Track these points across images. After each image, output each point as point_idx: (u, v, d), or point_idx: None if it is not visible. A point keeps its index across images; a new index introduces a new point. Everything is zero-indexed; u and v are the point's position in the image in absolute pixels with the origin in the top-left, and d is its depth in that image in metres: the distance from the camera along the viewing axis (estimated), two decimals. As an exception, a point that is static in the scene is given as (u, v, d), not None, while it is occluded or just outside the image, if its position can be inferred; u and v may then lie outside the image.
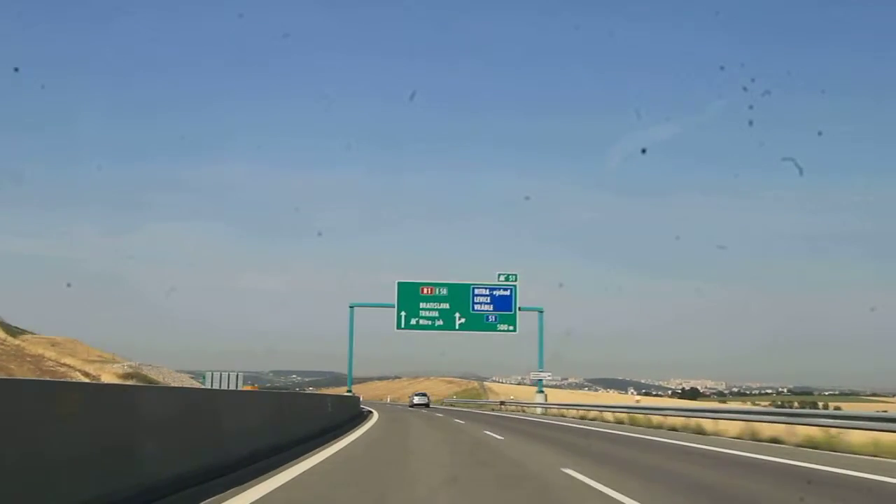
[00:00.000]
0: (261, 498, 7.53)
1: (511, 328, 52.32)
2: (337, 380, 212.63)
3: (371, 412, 39.09)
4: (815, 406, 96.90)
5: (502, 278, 52.98)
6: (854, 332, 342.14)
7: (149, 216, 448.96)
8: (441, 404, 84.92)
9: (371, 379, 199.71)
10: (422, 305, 51.94)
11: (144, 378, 76.41)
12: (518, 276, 53.08)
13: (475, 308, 52.15)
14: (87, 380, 67.49)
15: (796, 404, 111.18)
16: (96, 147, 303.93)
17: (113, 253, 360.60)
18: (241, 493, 7.72)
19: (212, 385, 67.83)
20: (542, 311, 54.01)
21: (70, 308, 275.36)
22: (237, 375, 68.58)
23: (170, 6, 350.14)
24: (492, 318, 52.28)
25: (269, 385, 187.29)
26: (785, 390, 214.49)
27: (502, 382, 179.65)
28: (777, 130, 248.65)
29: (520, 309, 52.61)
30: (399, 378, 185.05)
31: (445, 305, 51.97)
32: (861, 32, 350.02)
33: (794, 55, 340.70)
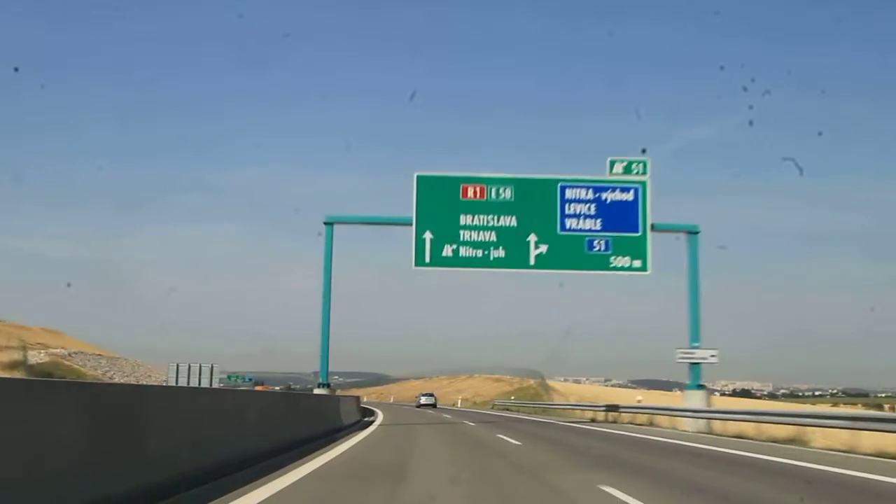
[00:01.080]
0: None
1: (639, 264, 24.87)
2: (379, 380, 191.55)
3: (374, 418, 26.04)
4: (881, 408, 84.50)
5: (620, 168, 25.54)
6: (856, 331, 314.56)
7: (149, 217, 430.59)
8: (491, 409, 57.18)
9: (408, 378, 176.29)
10: (464, 221, 24.78)
11: (63, 369, 51.58)
12: (648, 168, 25.67)
13: (566, 226, 24.94)
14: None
15: (860, 406, 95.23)
16: (96, 147, 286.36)
17: (114, 253, 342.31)
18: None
19: (177, 380, 45.45)
20: (696, 232, 26.14)
21: (71, 307, 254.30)
22: (211, 368, 48.98)
23: (170, 6, 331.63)
24: (599, 246, 24.95)
25: (309, 386, 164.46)
26: (838, 392, 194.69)
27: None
28: (777, 130, 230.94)
29: (652, 227, 25.29)
30: (438, 377, 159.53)
31: (510, 220, 24.74)
32: (861, 32, 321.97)
33: (794, 55, 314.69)
